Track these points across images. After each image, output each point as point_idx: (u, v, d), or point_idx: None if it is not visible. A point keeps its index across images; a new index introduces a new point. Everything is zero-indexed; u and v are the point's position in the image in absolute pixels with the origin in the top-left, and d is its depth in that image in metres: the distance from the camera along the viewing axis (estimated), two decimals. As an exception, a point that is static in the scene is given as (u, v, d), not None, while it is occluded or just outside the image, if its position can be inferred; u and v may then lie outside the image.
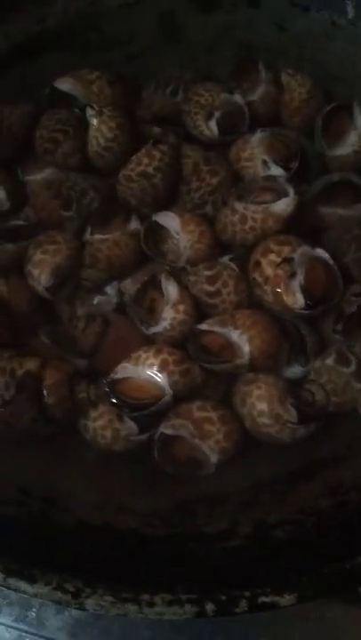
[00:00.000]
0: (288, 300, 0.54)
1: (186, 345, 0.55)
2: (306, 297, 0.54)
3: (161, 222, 0.60)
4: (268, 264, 0.55)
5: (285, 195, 0.58)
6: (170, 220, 0.60)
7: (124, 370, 0.54)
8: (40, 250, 0.58)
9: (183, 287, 0.58)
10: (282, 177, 0.60)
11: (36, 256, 0.58)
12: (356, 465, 0.51)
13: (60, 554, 0.42)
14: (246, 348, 0.53)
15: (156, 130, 0.66)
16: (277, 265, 0.55)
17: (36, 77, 0.70)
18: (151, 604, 0.38)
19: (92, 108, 0.63)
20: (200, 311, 0.57)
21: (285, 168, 0.61)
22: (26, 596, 0.39)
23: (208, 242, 0.59)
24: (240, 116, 0.66)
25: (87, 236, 0.61)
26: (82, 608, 0.38)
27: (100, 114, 0.63)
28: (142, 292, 0.57)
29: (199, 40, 0.71)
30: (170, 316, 0.56)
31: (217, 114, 0.65)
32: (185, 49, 0.71)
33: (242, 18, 0.70)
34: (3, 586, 0.39)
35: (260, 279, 0.56)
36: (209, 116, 0.65)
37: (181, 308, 0.56)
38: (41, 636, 0.55)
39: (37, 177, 0.65)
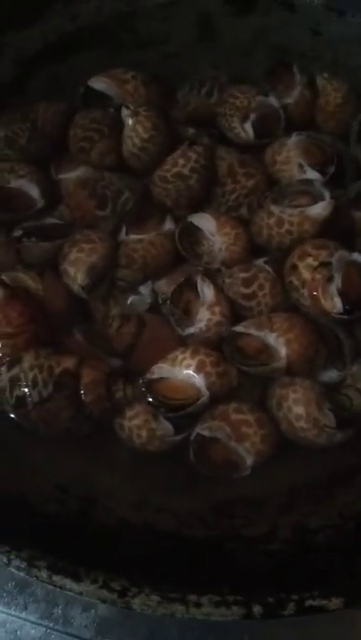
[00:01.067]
0: (326, 304, 0.54)
1: (221, 347, 0.55)
2: (343, 301, 0.54)
3: (196, 223, 0.60)
4: (306, 268, 0.56)
5: (321, 199, 0.59)
6: (205, 222, 0.60)
7: (161, 370, 0.54)
8: (76, 248, 0.59)
9: (219, 289, 0.58)
10: (318, 181, 0.61)
11: (71, 254, 0.58)
12: None
13: (103, 552, 0.42)
14: (283, 352, 0.53)
15: (191, 131, 0.67)
16: (315, 269, 0.55)
17: (69, 76, 0.70)
18: (198, 605, 0.38)
19: (127, 107, 0.64)
20: (235, 313, 0.58)
21: (322, 172, 0.61)
22: (72, 593, 0.39)
23: (243, 244, 0.60)
24: (276, 119, 0.66)
25: (122, 235, 0.61)
26: (128, 607, 0.38)
27: (135, 114, 0.63)
28: (178, 293, 0.57)
29: (234, 42, 0.71)
30: (205, 318, 0.56)
31: (253, 116, 0.65)
32: (220, 50, 0.71)
33: (277, 21, 0.71)
34: (48, 583, 0.40)
35: (296, 282, 0.56)
36: (244, 119, 0.65)
37: (217, 309, 0.56)
38: (67, 634, 0.55)
39: (71, 175, 0.65)
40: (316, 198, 0.59)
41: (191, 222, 0.60)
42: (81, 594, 0.39)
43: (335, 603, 0.38)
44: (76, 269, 0.58)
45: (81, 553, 0.41)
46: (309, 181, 0.61)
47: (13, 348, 0.53)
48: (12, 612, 0.56)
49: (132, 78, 0.67)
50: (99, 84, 0.67)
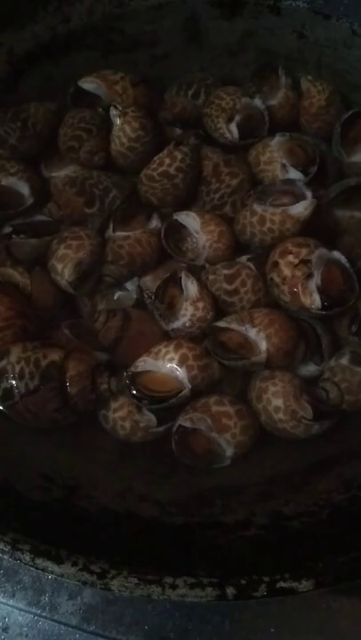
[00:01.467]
0: (305, 300, 0.56)
1: (204, 341, 0.57)
2: (322, 298, 0.55)
3: (181, 221, 0.62)
4: (286, 265, 0.57)
5: (303, 198, 0.60)
6: (190, 220, 0.62)
7: (145, 363, 0.55)
8: (64, 245, 0.60)
9: (202, 285, 0.59)
10: (300, 181, 0.62)
11: (59, 251, 0.60)
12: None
13: (86, 538, 0.44)
14: (263, 346, 0.55)
15: (178, 131, 0.68)
16: (295, 266, 0.57)
17: (60, 76, 0.72)
18: (174, 587, 0.39)
19: (115, 107, 0.65)
20: (218, 309, 0.59)
21: (304, 172, 0.63)
22: (53, 575, 0.41)
23: (227, 242, 0.61)
24: (260, 120, 0.68)
25: (109, 232, 0.62)
26: (107, 588, 0.40)
27: (123, 114, 0.65)
28: (163, 289, 0.59)
29: (221, 44, 0.73)
30: (189, 313, 0.58)
31: (238, 117, 0.67)
32: (207, 53, 0.73)
33: (263, 24, 0.72)
34: (31, 566, 0.41)
35: (277, 279, 0.58)
36: (230, 120, 0.67)
37: (201, 305, 0.58)
38: (54, 620, 0.57)
39: (61, 174, 0.67)
40: (299, 198, 0.60)
41: (176, 220, 0.62)
42: (62, 576, 0.41)
43: (305, 585, 0.39)
44: (64, 265, 0.59)
45: (63, 538, 0.43)
46: (292, 181, 0.62)
47: (1, 342, 0.55)
48: (1, 600, 0.57)
49: (121, 79, 0.68)
50: (88, 84, 0.69)
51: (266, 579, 0.39)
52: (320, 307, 0.55)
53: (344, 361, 0.56)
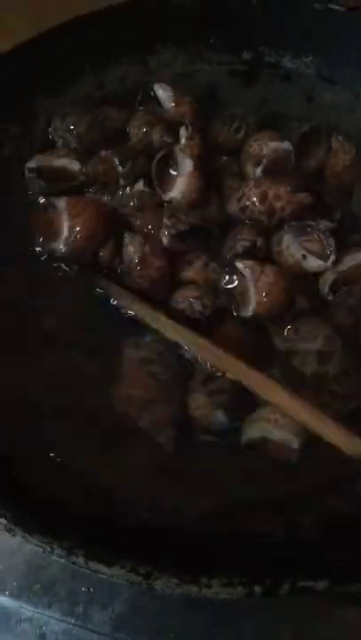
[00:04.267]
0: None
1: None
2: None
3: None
4: None
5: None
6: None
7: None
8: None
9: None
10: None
11: None
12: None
13: (130, 546, 0.50)
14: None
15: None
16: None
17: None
18: (209, 586, 0.46)
19: (187, 128, 0.71)
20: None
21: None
22: (104, 576, 0.47)
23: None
24: (287, 160, 0.72)
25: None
26: (151, 588, 0.46)
27: (191, 138, 0.70)
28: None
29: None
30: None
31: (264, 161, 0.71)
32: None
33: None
34: (84, 568, 0.47)
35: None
36: (257, 164, 0.72)
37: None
38: (87, 629, 0.61)
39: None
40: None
41: None
42: (112, 577, 0.47)
43: (322, 584, 0.46)
44: None
45: (113, 544, 0.49)
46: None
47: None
48: (39, 610, 0.62)
49: (189, 103, 0.75)
50: (161, 91, 0.76)
51: (289, 579, 0.46)
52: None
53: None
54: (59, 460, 0.57)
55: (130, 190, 0.69)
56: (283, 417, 0.57)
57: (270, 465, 0.57)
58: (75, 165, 0.72)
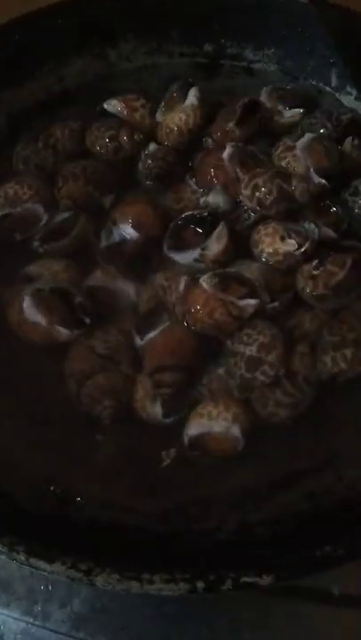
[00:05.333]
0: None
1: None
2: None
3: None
4: None
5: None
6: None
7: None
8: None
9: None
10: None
11: None
12: (331, 475, 0.57)
13: (75, 543, 0.49)
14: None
15: None
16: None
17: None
18: (151, 582, 0.45)
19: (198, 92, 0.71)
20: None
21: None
22: (45, 573, 0.46)
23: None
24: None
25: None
26: (92, 584, 0.46)
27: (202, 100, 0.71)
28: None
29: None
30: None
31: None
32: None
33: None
34: (25, 564, 0.47)
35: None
36: None
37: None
38: (45, 628, 0.61)
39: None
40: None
41: None
42: (52, 573, 0.46)
43: (266, 580, 0.45)
44: None
45: (55, 542, 0.48)
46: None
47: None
48: (-3, 610, 0.61)
49: (142, 107, 0.74)
50: (112, 107, 0.75)
51: (232, 574, 0.45)
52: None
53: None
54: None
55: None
56: (215, 408, 0.57)
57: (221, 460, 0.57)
58: (38, 209, 0.69)
